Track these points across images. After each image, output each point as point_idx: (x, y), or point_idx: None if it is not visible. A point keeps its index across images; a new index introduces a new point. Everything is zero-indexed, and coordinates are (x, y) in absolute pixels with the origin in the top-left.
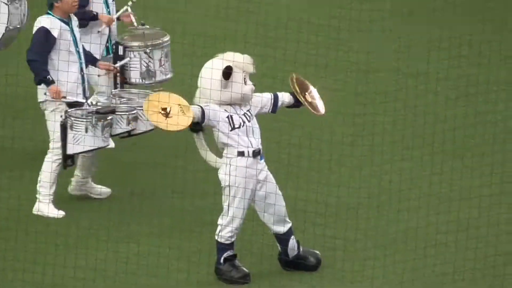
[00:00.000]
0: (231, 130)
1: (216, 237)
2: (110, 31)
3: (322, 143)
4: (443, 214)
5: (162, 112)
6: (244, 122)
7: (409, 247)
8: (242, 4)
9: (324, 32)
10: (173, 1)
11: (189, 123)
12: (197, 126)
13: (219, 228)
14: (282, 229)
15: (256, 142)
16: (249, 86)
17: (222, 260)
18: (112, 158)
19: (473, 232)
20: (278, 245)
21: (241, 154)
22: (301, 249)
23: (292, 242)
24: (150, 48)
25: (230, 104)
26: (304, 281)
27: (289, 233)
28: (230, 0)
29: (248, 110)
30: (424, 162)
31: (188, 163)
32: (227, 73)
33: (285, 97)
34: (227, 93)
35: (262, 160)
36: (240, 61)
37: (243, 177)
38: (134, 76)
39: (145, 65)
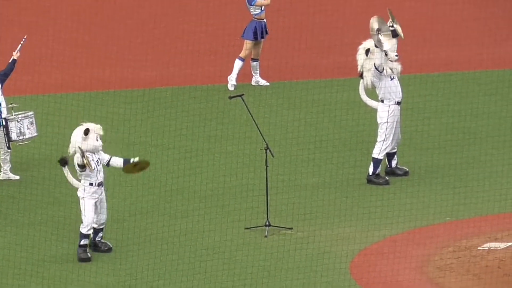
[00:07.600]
0: (93, 169)
1: (80, 229)
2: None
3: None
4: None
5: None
6: (97, 165)
7: None
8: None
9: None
10: None
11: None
12: (67, 162)
13: (81, 225)
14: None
15: (101, 177)
16: (99, 142)
17: (81, 243)
18: None
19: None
20: (92, 235)
21: (91, 184)
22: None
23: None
24: (20, 118)
25: (91, 152)
26: None
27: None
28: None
29: (98, 158)
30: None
31: None
32: (85, 130)
33: (117, 162)
34: (89, 144)
35: (102, 187)
36: (92, 126)
37: (92, 194)
38: (14, 136)
39: (18, 128)
